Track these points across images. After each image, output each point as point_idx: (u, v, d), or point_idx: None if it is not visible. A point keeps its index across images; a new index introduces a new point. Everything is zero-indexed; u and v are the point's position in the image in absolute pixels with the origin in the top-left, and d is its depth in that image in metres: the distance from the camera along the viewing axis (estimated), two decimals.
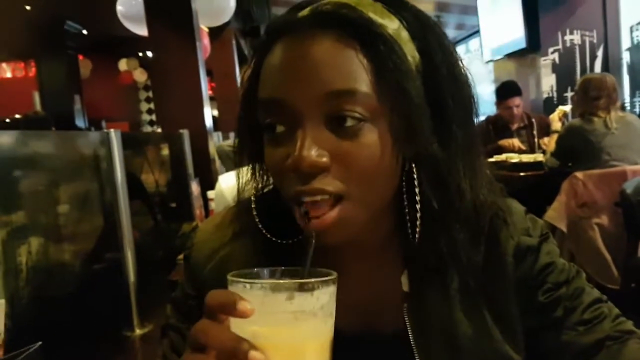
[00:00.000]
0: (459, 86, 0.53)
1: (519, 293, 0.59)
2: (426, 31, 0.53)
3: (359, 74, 0.48)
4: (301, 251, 0.59)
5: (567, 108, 3.43)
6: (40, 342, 0.76)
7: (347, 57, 0.48)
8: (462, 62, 0.55)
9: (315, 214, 0.49)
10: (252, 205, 0.58)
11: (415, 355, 0.56)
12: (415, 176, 0.52)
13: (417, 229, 0.53)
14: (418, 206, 0.52)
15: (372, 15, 0.50)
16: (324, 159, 0.48)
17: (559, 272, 0.60)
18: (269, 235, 0.57)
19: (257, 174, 0.60)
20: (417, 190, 0.52)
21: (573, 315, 0.59)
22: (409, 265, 0.59)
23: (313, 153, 0.47)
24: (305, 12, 0.52)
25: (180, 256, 2.14)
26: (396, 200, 0.54)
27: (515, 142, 3.81)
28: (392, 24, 0.51)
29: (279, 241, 0.57)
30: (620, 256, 2.66)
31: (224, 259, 0.62)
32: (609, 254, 2.73)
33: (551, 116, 3.45)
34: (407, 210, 0.54)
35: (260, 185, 0.60)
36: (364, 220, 0.52)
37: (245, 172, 0.61)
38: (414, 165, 0.52)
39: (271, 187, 0.60)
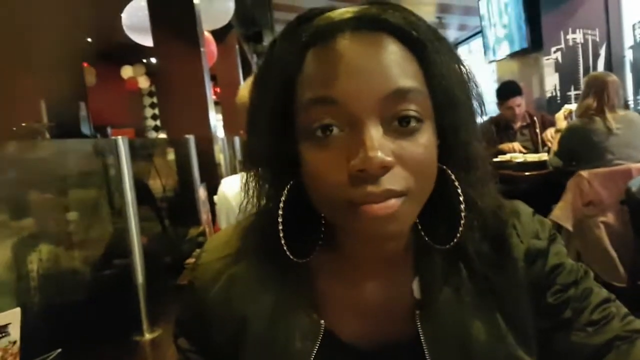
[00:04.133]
0: (458, 105, 0.53)
1: (530, 296, 0.58)
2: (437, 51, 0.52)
3: (416, 74, 0.50)
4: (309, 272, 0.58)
5: (573, 107, 3.41)
6: (59, 350, 0.76)
7: (403, 57, 0.49)
8: (467, 74, 0.54)
9: (382, 212, 0.47)
10: (279, 220, 0.53)
11: None
12: (454, 177, 0.53)
13: (460, 229, 0.53)
14: (462, 205, 0.52)
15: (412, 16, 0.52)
16: (390, 159, 0.47)
17: (567, 273, 0.60)
18: (288, 253, 0.53)
19: (275, 187, 0.55)
20: (459, 190, 0.52)
21: (582, 317, 0.58)
22: (420, 271, 0.58)
23: (381, 153, 0.46)
24: (344, 14, 0.51)
25: (189, 260, 2.15)
26: None
27: (516, 145, 3.82)
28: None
29: (293, 259, 0.54)
30: (626, 254, 2.65)
31: (229, 282, 0.60)
32: (615, 252, 2.72)
33: (557, 115, 3.43)
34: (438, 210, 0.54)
35: (279, 199, 0.54)
36: (415, 216, 0.52)
37: (250, 182, 0.57)
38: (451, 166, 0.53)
39: (283, 199, 0.53)
